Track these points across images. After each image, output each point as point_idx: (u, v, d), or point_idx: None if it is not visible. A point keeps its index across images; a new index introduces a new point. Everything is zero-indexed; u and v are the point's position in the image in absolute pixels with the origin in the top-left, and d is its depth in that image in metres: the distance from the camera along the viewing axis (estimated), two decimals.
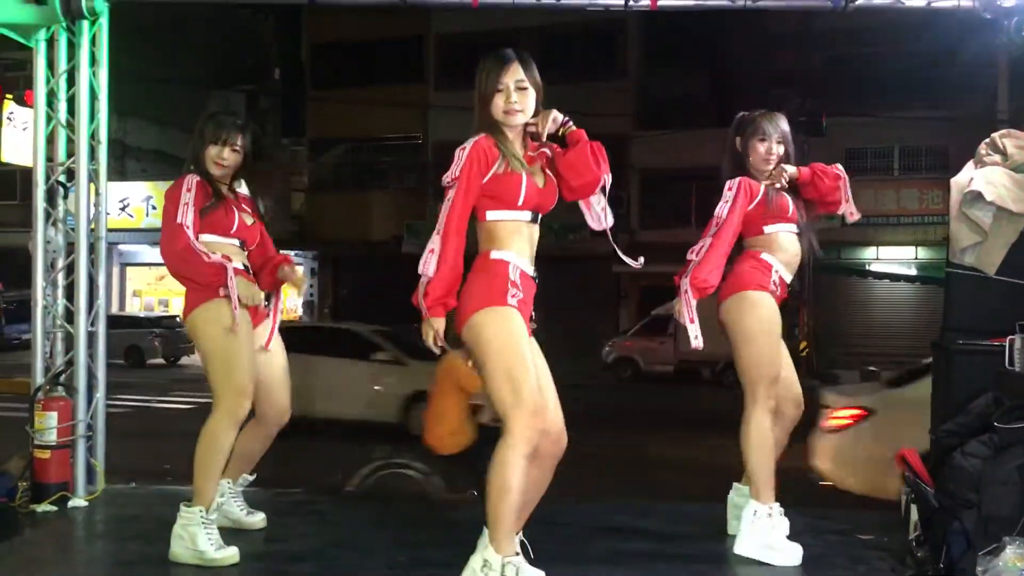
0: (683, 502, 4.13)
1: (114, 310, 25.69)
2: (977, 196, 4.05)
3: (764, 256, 3.84)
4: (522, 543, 3.13)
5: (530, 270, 3.09)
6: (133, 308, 27.28)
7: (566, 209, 3.44)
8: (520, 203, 3.05)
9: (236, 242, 3.86)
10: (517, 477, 2.87)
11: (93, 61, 4.80)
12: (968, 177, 4.19)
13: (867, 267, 22.58)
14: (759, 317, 3.77)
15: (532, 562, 3.04)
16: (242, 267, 3.82)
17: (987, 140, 4.32)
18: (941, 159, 18.67)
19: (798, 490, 4.51)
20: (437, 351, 3.05)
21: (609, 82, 22.92)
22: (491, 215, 3.07)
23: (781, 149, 3.88)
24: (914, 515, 3.78)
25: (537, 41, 21.56)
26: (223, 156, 3.85)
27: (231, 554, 3.58)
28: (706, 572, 3.66)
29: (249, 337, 3.75)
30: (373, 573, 3.56)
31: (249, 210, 3.98)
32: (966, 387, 3.92)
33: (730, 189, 3.81)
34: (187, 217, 3.70)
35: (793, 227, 3.89)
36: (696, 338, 3.59)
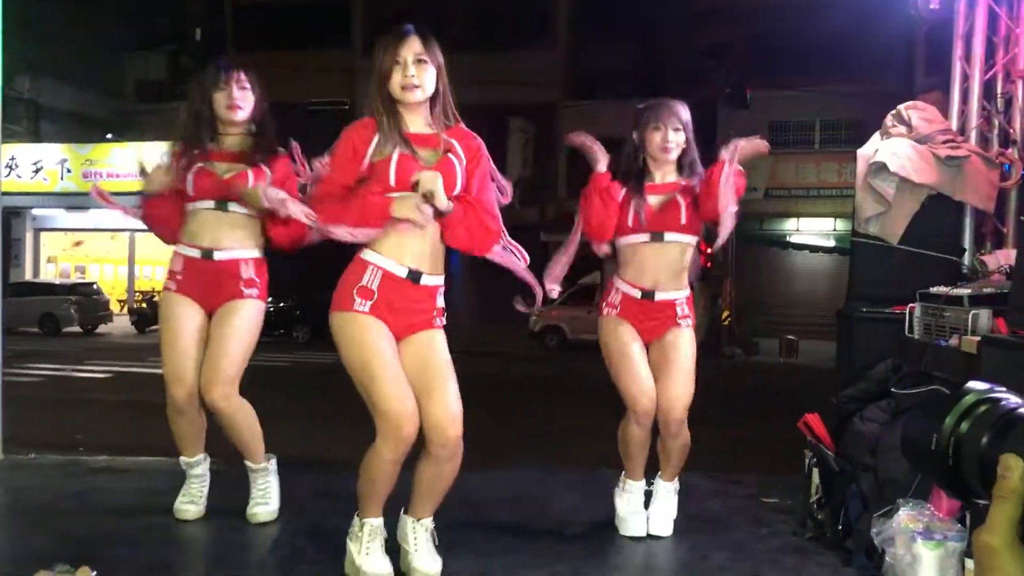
0: (602, 468, 4.16)
1: (28, 276, 24.88)
2: (881, 167, 4.13)
3: (615, 278, 3.69)
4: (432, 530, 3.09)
5: (402, 271, 2.91)
6: (48, 275, 26.42)
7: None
8: (392, 182, 2.89)
9: (206, 204, 3.57)
10: (373, 472, 2.93)
11: None
12: (874, 148, 4.27)
13: (788, 238, 23.06)
14: (602, 343, 3.69)
15: (441, 546, 3.07)
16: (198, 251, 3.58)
17: (893, 112, 4.41)
18: (859, 133, 19.06)
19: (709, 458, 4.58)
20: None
21: (538, 51, 22.83)
22: None
23: (681, 137, 3.58)
24: (816, 479, 3.86)
25: (467, 9, 21.33)
26: (233, 96, 3.57)
27: (185, 508, 3.72)
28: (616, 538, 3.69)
29: (185, 324, 3.58)
30: (277, 544, 3.50)
31: (235, 161, 3.59)
32: (868, 354, 4.01)
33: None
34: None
35: (642, 236, 3.57)
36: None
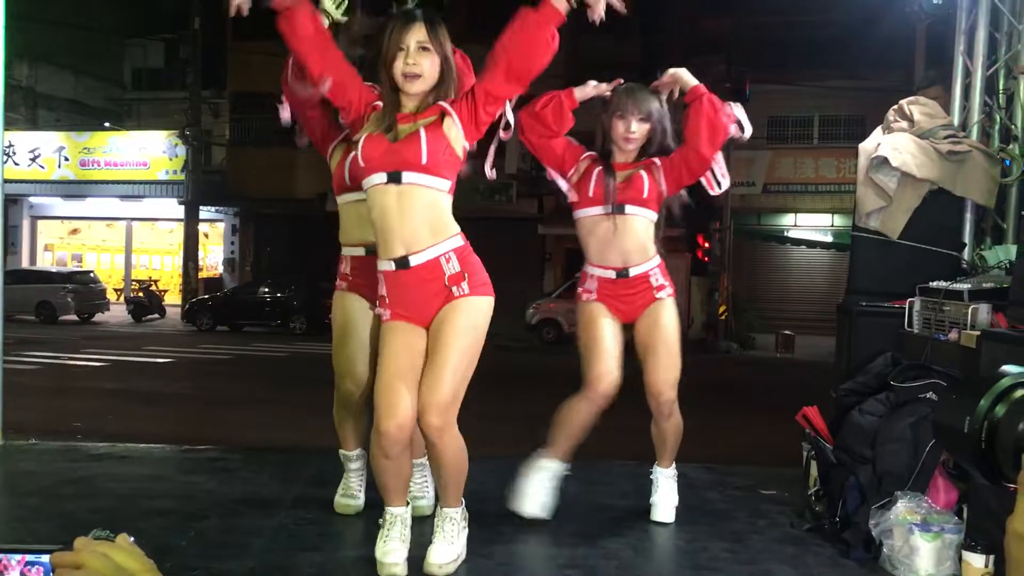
0: (598, 460, 4.19)
1: (25, 264, 24.83)
2: (883, 161, 4.14)
3: (585, 266, 3.70)
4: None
5: (389, 265, 2.86)
6: (45, 262, 26.37)
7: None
8: (361, 162, 2.84)
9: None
10: (372, 464, 2.98)
11: None
12: (875, 143, 4.28)
13: (785, 233, 23.08)
14: (578, 327, 3.70)
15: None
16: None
17: (895, 106, 4.42)
18: (858, 128, 19.11)
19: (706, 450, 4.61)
20: None
21: None
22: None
23: (645, 128, 3.54)
24: (814, 471, 3.89)
25: (467, 1, 21.21)
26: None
27: (346, 503, 3.68)
28: (623, 526, 3.71)
29: (359, 323, 3.51)
30: (277, 530, 3.51)
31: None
32: (868, 348, 4.02)
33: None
34: None
35: (602, 209, 3.56)
36: None
